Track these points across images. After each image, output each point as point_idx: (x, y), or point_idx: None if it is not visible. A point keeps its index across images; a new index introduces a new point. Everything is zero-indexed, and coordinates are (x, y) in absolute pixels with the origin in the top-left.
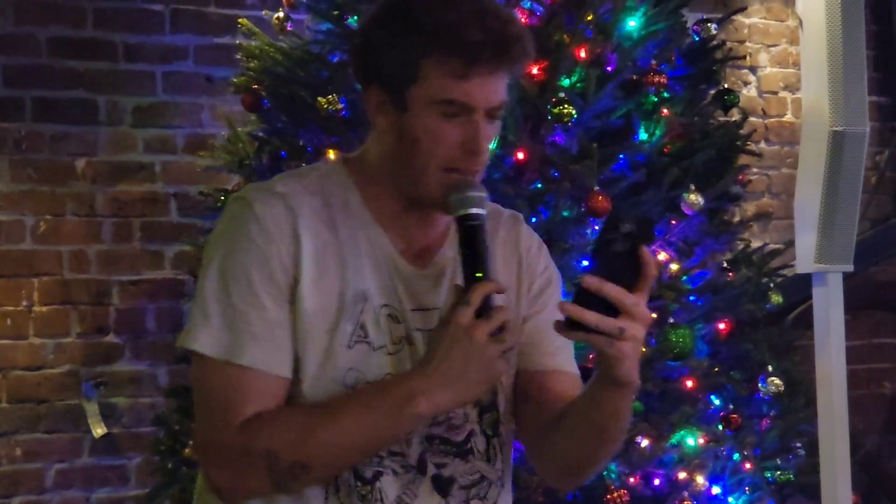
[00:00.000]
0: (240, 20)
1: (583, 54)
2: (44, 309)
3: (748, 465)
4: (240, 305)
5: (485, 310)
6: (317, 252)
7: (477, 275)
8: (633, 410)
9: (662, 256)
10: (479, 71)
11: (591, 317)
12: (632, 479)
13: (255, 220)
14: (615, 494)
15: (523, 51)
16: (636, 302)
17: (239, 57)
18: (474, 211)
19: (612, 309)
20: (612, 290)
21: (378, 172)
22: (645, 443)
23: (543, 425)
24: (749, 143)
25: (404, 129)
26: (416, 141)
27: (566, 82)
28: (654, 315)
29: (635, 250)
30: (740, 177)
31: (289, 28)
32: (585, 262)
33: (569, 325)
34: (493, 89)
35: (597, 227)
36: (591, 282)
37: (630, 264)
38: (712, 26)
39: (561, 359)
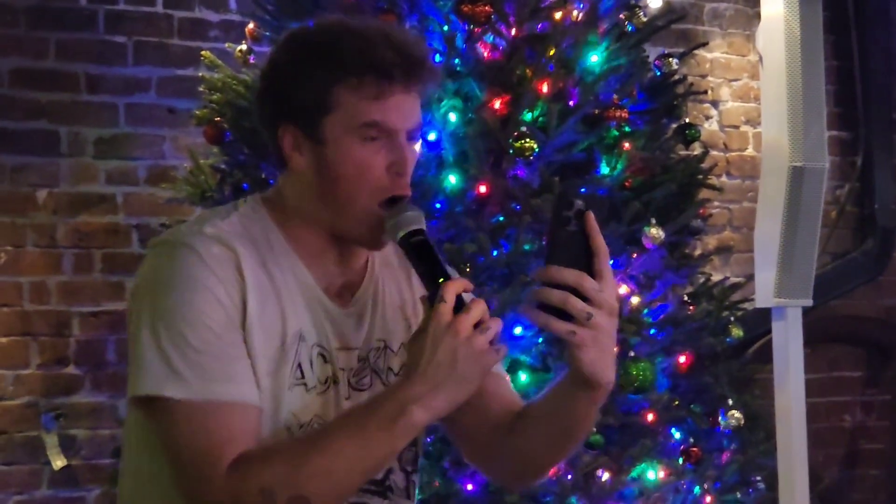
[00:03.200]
0: (202, 52)
1: (545, 88)
2: (3, 340)
3: (708, 499)
4: (200, 346)
5: (460, 306)
6: (258, 292)
7: (440, 280)
8: (593, 442)
9: (624, 290)
10: (394, 90)
11: (557, 295)
12: None
13: (198, 260)
14: None
15: (432, 70)
16: (599, 287)
17: (201, 89)
18: (414, 227)
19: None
20: (570, 276)
21: (297, 211)
22: (605, 476)
23: (491, 429)
24: (710, 176)
25: (324, 162)
26: (340, 172)
27: (528, 116)
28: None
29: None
30: (701, 210)
31: (251, 61)
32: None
33: (539, 308)
34: (410, 109)
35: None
36: (545, 271)
37: (587, 244)
38: (674, 61)
39: None
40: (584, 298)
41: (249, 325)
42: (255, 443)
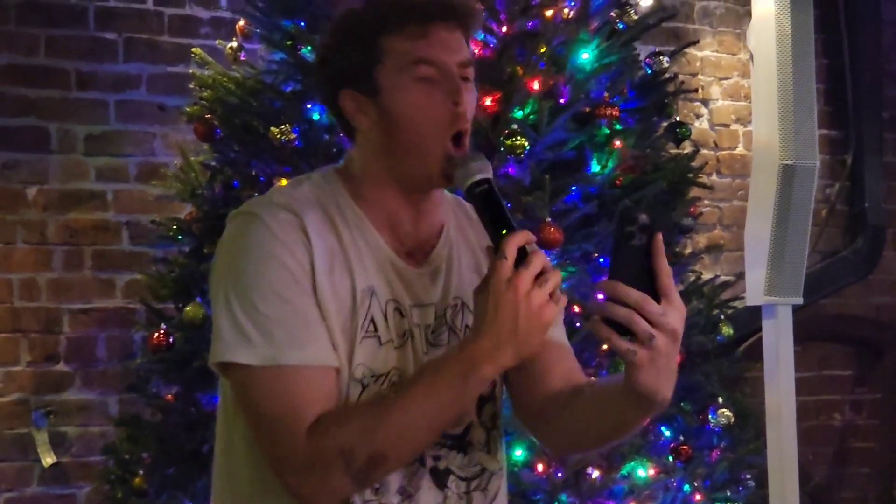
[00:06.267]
0: (193, 49)
1: (536, 86)
2: None
3: (698, 497)
4: (271, 313)
5: (521, 259)
6: (326, 252)
7: (503, 232)
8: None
9: None
10: (436, 28)
11: (623, 313)
12: None
13: (265, 230)
14: None
15: (472, 9)
16: (662, 311)
17: (192, 86)
18: (480, 177)
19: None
20: (635, 296)
21: (367, 175)
22: (595, 474)
23: (546, 397)
24: (700, 175)
25: (385, 112)
26: (401, 116)
27: (519, 114)
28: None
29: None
30: (692, 209)
31: (242, 58)
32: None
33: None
34: (457, 45)
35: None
36: (610, 287)
37: (651, 260)
38: (664, 59)
39: (553, 331)
40: (647, 319)
41: (319, 284)
42: (332, 403)
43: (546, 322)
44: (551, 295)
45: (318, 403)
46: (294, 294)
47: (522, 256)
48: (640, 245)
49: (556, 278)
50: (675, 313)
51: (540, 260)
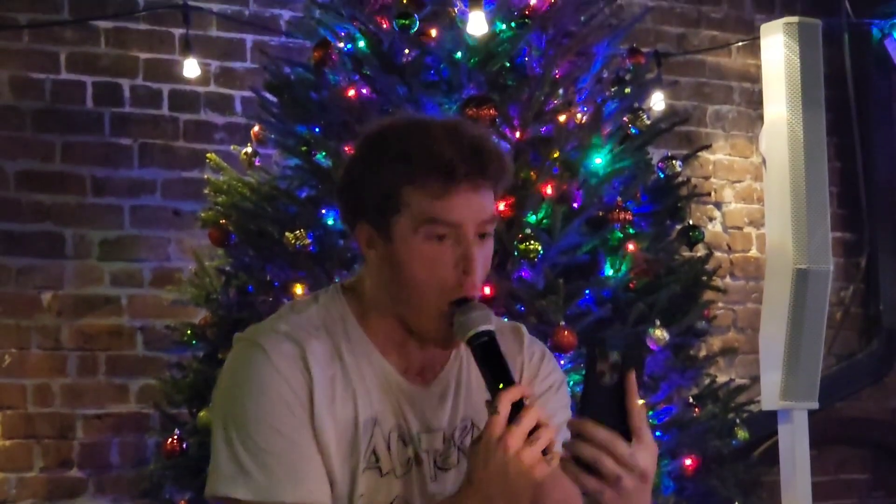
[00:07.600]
0: (208, 155)
1: (549, 191)
2: (7, 443)
3: None
4: (268, 447)
5: (515, 416)
6: (327, 383)
7: (500, 386)
8: None
9: None
10: (458, 188)
11: (590, 452)
12: None
13: (266, 361)
14: None
15: (500, 165)
16: (631, 451)
17: (207, 191)
18: (482, 328)
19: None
20: (603, 436)
21: (374, 301)
22: None
23: None
24: (714, 278)
25: (395, 261)
26: (409, 272)
27: (532, 219)
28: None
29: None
30: (706, 312)
31: (257, 163)
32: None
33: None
34: (478, 205)
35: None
36: (579, 426)
37: (623, 398)
38: (677, 163)
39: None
40: (615, 458)
41: (318, 415)
42: None
43: (535, 480)
44: (545, 451)
45: None
46: (291, 429)
47: (518, 410)
48: (612, 384)
49: (548, 434)
50: (644, 453)
51: (533, 416)
